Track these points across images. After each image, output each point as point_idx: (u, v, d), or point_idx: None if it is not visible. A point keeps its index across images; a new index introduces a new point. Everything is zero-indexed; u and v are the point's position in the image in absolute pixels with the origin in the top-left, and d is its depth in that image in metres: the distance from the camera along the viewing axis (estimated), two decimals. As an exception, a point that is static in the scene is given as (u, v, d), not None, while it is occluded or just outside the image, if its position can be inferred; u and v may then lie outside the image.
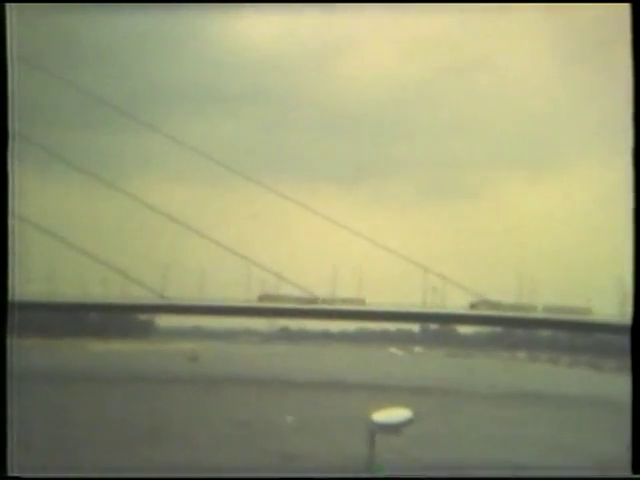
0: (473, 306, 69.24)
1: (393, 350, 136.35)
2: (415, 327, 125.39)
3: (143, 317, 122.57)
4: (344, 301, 68.71)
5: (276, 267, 69.35)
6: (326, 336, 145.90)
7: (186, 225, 68.85)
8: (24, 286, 69.45)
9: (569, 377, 78.87)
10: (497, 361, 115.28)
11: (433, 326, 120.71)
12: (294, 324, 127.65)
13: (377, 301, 68.65)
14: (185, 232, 68.78)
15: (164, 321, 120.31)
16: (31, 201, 73.84)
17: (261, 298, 68.70)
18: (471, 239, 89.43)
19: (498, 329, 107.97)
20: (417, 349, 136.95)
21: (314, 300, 68.24)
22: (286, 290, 69.69)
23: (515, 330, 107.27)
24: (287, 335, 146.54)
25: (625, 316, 45.80)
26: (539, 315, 68.50)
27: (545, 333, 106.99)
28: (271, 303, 69.51)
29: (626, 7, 8.69)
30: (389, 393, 47.45)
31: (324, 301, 69.09)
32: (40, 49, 76.47)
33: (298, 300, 68.41)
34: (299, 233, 79.84)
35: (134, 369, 71.80)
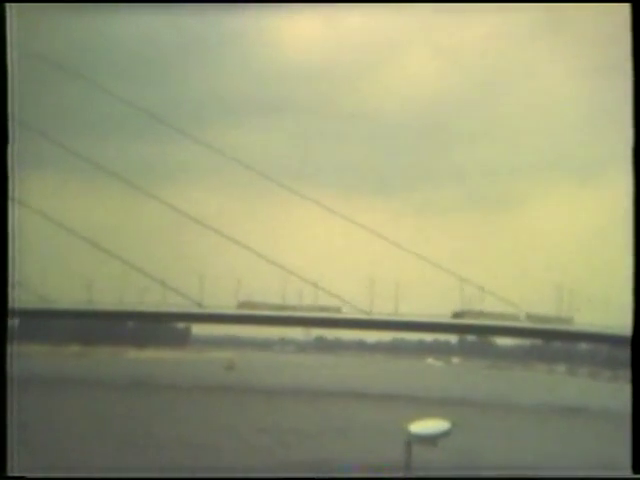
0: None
1: (430, 361, 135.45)
2: (452, 338, 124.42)
3: (180, 326, 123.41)
4: (362, 312, 68.43)
5: (312, 276, 69.39)
6: (362, 346, 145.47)
7: (223, 234, 69.22)
8: (64, 294, 70.43)
9: (609, 391, 77.65)
10: (536, 374, 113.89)
11: (470, 337, 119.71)
12: (330, 333, 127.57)
13: (412, 311, 68.30)
14: (223, 241, 69.14)
15: (201, 330, 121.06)
16: (71, 210, 74.97)
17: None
18: (511, 249, 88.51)
19: (537, 341, 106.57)
20: (455, 360, 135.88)
21: (337, 309, 68.42)
22: (323, 300, 69.65)
23: (554, 343, 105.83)
24: (322, 345, 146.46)
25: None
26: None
27: (585, 347, 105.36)
28: (306, 312, 69.54)
29: (626, 7, 8.62)
30: (427, 404, 47.10)
31: (356, 310, 68.93)
32: (77, 55, 77.77)
33: (322, 309, 68.65)
34: (336, 242, 79.72)
35: (171, 377, 72.21)
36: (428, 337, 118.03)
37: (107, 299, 70.53)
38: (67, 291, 70.96)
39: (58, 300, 69.49)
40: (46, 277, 70.38)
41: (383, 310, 69.09)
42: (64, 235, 68.09)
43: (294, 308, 69.16)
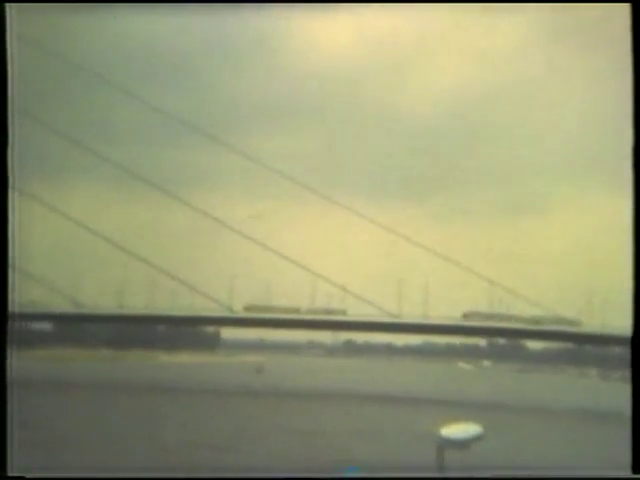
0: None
1: (461, 364, 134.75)
2: (482, 341, 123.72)
3: (210, 330, 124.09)
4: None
5: (341, 280, 69.48)
6: (391, 350, 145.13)
7: (252, 238, 69.59)
8: (96, 299, 71.23)
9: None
10: (567, 377, 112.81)
11: (501, 340, 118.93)
12: (358, 337, 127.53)
13: (441, 315, 68.20)
14: (251, 245, 69.50)
15: (230, 333, 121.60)
16: (102, 215, 75.83)
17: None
18: (541, 254, 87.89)
19: (569, 345, 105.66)
20: (485, 363, 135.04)
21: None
22: (351, 303, 69.69)
23: (586, 346, 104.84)
24: (351, 348, 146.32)
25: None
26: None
27: (617, 350, 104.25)
28: (334, 316, 69.68)
29: (626, 7, 8.61)
30: (458, 408, 46.94)
31: (389, 315, 68.89)
32: (108, 61, 78.67)
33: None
34: (365, 246, 79.72)
35: (202, 381, 72.71)
36: (457, 340, 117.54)
37: (138, 303, 71.23)
38: (99, 296, 71.79)
39: (90, 305, 70.28)
40: (79, 282, 71.26)
41: (412, 314, 69.03)
42: (96, 241, 68.91)
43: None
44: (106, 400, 51.25)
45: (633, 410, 8.54)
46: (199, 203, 72.03)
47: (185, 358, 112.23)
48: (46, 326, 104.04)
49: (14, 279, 8.79)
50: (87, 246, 70.57)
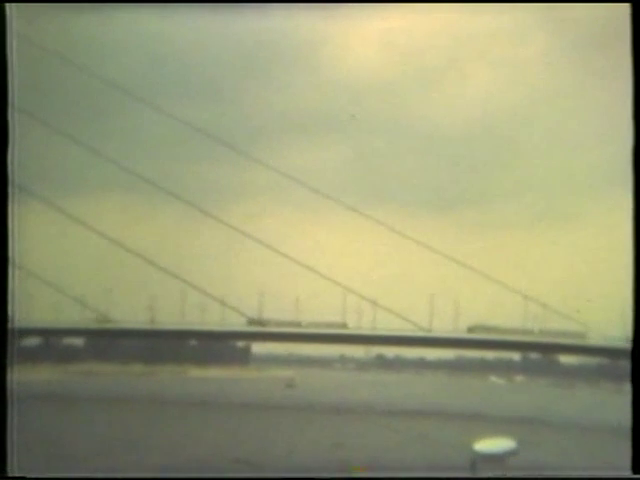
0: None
1: (494, 379, 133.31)
2: (515, 355, 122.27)
3: (240, 344, 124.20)
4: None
5: (372, 294, 69.15)
6: (423, 364, 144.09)
7: (282, 253, 69.58)
8: (127, 314, 71.62)
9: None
10: (602, 392, 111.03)
11: (534, 355, 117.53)
12: (390, 351, 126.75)
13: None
14: (281, 260, 69.50)
15: (260, 348, 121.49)
16: (134, 231, 76.32)
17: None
18: (573, 265, 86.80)
19: (604, 360, 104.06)
20: (518, 378, 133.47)
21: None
22: (382, 317, 69.34)
23: (622, 361, 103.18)
24: (383, 362, 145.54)
25: None
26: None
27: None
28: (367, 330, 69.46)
29: (626, 7, 8.56)
30: (492, 423, 46.32)
31: (421, 329, 68.51)
32: (134, 75, 79.36)
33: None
34: (395, 260, 79.30)
35: (233, 395, 72.66)
36: (490, 354, 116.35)
37: (168, 318, 71.50)
38: (130, 311, 72.16)
39: (121, 320, 70.68)
40: (110, 297, 71.72)
41: (444, 327, 68.52)
42: (126, 255, 69.37)
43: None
44: (137, 414, 51.40)
45: (633, 410, 8.42)
46: (228, 217, 72.35)
47: (215, 372, 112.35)
48: (78, 341, 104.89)
49: (13, 292, 8.77)
50: (118, 261, 71.07)
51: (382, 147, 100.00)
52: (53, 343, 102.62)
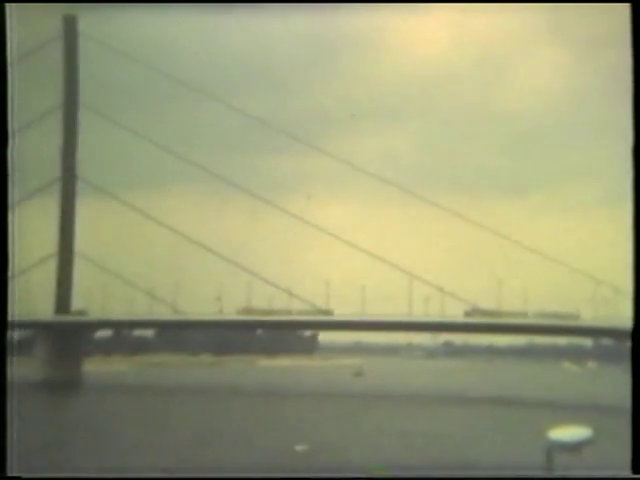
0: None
1: (567, 365, 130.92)
2: (587, 341, 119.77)
3: (307, 333, 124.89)
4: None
5: (439, 281, 68.50)
6: (492, 350, 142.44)
7: (348, 241, 69.48)
8: (196, 306, 72.57)
9: None
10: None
11: (606, 340, 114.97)
12: (458, 338, 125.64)
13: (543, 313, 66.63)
14: (347, 248, 69.41)
15: (327, 337, 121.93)
16: (201, 224, 77.29)
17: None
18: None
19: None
20: (591, 364, 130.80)
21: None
22: (452, 304, 68.67)
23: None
24: (451, 349, 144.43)
25: None
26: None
27: None
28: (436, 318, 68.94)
29: (626, 7, 8.46)
30: (567, 410, 45.45)
31: (485, 313, 67.70)
32: (197, 70, 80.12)
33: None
34: (462, 246, 78.36)
35: (302, 385, 73.06)
36: (562, 340, 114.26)
37: (236, 309, 72.14)
38: (198, 302, 73.08)
39: (190, 311, 71.65)
40: (179, 290, 72.73)
41: (512, 313, 67.56)
42: (193, 248, 70.25)
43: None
44: (210, 405, 52.12)
45: (633, 411, 8.11)
46: (293, 207, 72.54)
47: (283, 362, 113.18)
48: (149, 333, 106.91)
49: (13, 288, 8.81)
50: (185, 254, 72.04)
51: (447, 134, 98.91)
52: (124, 335, 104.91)
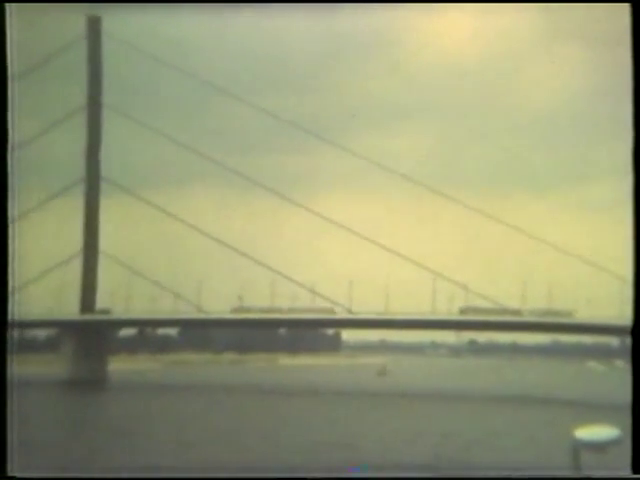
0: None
1: (592, 364, 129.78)
2: (614, 340, 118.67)
3: (330, 332, 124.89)
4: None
5: (464, 279, 68.19)
6: (516, 349, 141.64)
7: (371, 240, 69.39)
8: (218, 304, 72.87)
9: None
10: None
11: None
12: (482, 336, 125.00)
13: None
14: (370, 247, 69.33)
15: (350, 335, 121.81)
16: (224, 223, 77.50)
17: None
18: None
19: None
20: (618, 363, 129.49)
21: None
22: (473, 302, 68.33)
23: None
24: (476, 348, 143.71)
25: None
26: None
27: None
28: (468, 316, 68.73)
29: (626, 7, 8.39)
30: (592, 410, 45.03)
31: (513, 312, 67.32)
32: (220, 68, 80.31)
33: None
34: (487, 245, 77.95)
35: (325, 383, 73.04)
36: (587, 339, 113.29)
37: (258, 307, 72.29)
38: (221, 301, 73.33)
39: (213, 310, 71.92)
40: (202, 288, 73.02)
41: (536, 312, 67.17)
42: (216, 246, 70.51)
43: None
44: (230, 402, 52.27)
45: (633, 411, 7.96)
46: (316, 206, 72.57)
47: (306, 360, 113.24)
48: (172, 331, 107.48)
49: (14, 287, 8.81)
50: (208, 252, 72.31)
51: (471, 131, 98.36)
52: (148, 334, 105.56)
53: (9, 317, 8.56)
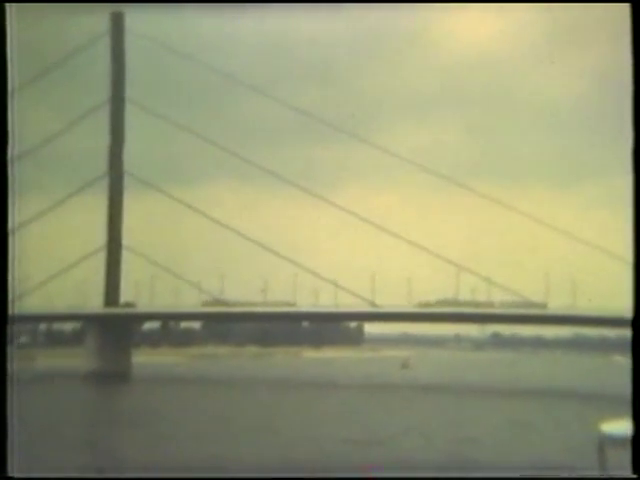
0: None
1: (617, 357, 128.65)
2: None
3: (353, 325, 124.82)
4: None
5: (486, 272, 67.78)
6: (540, 342, 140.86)
7: (393, 233, 69.14)
8: (240, 297, 73.07)
9: None
10: None
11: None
12: (506, 329, 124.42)
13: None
14: (393, 240, 69.07)
15: (374, 328, 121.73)
16: (247, 216, 77.64)
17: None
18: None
19: None
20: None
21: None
22: (496, 294, 68.02)
23: None
24: (499, 341, 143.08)
25: None
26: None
27: None
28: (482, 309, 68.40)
29: (626, 7, 8.06)
30: (618, 404, 44.70)
31: (535, 305, 66.95)
32: (248, 66, 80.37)
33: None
34: (510, 237, 77.45)
35: (348, 377, 73.02)
36: (611, 332, 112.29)
37: (281, 301, 72.36)
38: (244, 294, 73.48)
39: (236, 303, 72.09)
40: (225, 281, 73.23)
41: (560, 305, 66.78)
42: (239, 240, 70.59)
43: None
44: (254, 395, 52.45)
45: (633, 410, 7.88)
46: (339, 199, 72.41)
47: (330, 353, 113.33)
48: (195, 325, 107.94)
49: (13, 283, 8.83)
50: (231, 246, 72.47)
51: (494, 124, 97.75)
52: (171, 327, 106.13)
53: (8, 316, 8.62)
